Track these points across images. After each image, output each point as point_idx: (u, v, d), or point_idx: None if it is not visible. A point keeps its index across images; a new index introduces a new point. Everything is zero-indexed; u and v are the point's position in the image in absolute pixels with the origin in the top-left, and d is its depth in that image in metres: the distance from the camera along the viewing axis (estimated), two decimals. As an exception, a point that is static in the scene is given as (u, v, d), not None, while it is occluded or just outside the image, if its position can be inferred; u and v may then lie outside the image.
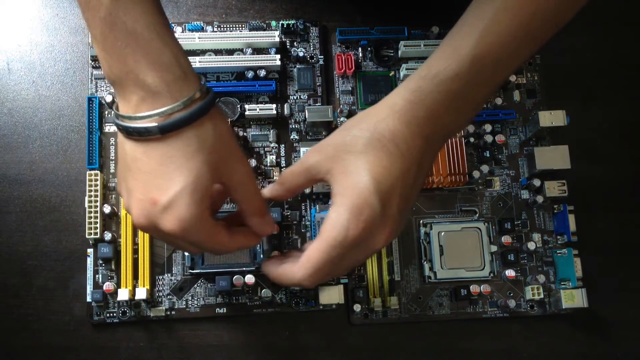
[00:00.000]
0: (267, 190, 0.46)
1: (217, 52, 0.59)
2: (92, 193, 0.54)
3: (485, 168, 0.58)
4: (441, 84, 0.40)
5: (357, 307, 0.55)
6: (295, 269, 0.42)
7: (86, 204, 0.53)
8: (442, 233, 0.56)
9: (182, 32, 0.59)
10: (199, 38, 0.58)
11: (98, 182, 0.54)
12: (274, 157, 0.58)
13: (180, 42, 0.40)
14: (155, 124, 0.37)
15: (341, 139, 0.42)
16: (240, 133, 0.58)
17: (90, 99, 0.56)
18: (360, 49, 0.61)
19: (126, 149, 0.40)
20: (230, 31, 0.60)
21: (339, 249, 0.40)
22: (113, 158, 0.56)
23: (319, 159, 0.42)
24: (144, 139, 0.38)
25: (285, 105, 0.59)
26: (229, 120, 0.57)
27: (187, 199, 0.38)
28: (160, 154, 0.38)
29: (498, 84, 0.44)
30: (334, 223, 0.40)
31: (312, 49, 0.61)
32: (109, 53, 0.38)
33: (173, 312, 0.54)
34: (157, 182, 0.38)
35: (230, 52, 0.59)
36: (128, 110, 0.38)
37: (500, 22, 0.40)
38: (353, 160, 0.40)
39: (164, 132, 0.38)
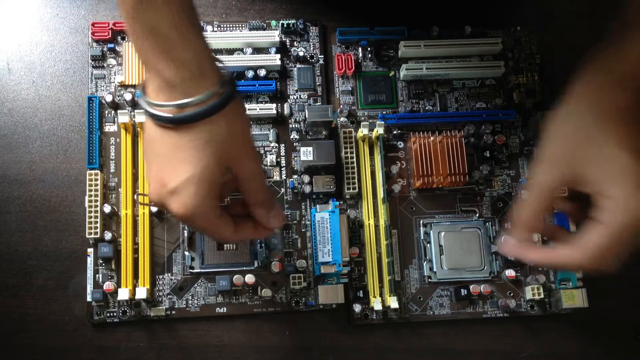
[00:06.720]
0: None
1: (217, 51, 0.59)
2: (92, 193, 0.54)
3: (485, 168, 0.58)
4: None
5: (357, 307, 0.55)
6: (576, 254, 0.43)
7: (86, 204, 0.53)
8: (442, 233, 0.56)
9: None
10: (199, 38, 0.58)
11: (98, 182, 0.54)
12: (274, 156, 0.57)
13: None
14: (169, 115, 0.39)
15: None
16: (240, 133, 0.58)
17: (90, 99, 0.56)
18: (360, 49, 0.61)
19: (147, 127, 0.42)
20: (230, 31, 0.60)
21: None
22: (113, 158, 0.56)
23: None
24: (159, 124, 0.40)
25: (285, 105, 0.59)
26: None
27: (193, 188, 0.40)
28: (172, 142, 0.40)
29: None
30: None
31: (312, 48, 0.60)
32: (136, 38, 0.39)
33: (173, 312, 0.54)
34: (168, 166, 0.40)
35: (230, 51, 0.59)
36: (150, 94, 0.40)
37: None
38: None
39: (176, 124, 0.39)
